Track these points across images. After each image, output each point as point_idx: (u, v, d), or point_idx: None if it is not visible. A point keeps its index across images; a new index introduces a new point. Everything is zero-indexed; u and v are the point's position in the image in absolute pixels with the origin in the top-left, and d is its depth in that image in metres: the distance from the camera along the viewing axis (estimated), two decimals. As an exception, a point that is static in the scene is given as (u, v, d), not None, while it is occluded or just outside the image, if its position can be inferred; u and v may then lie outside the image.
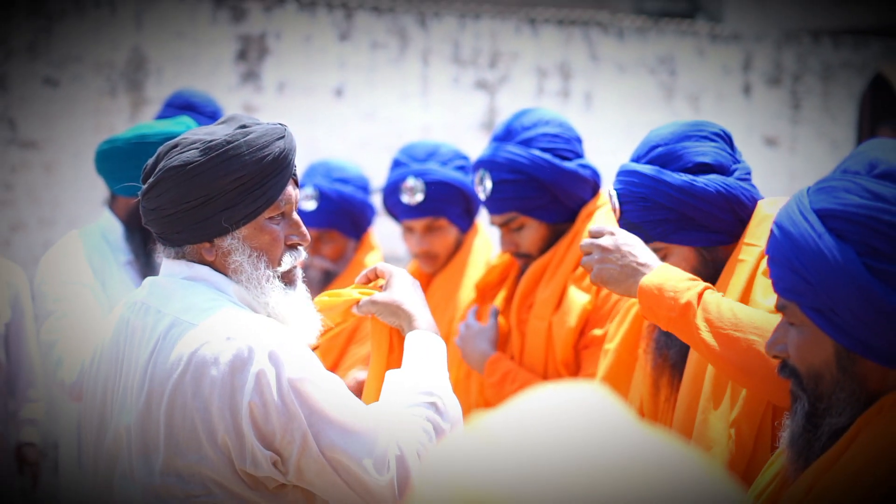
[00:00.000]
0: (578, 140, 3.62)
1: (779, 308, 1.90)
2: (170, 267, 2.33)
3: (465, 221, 4.15)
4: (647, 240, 2.69)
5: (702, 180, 2.63)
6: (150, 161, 2.29)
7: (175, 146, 2.25)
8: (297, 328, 2.33)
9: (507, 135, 3.59)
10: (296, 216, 2.38)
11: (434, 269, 4.18)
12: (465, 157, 4.17)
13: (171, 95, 5.55)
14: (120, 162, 3.70)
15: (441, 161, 4.10)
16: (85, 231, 3.80)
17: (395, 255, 8.08)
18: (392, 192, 4.09)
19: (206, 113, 5.22)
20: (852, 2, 11.22)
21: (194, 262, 2.30)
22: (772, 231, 1.89)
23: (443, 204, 4.07)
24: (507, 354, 3.68)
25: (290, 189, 2.33)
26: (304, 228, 2.39)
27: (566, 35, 9.57)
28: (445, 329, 4.07)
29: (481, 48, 9.13)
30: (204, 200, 2.22)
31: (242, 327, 2.15)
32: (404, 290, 2.50)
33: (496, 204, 3.57)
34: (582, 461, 0.93)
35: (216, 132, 2.26)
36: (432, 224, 4.11)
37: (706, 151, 2.71)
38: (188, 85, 7.29)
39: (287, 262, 2.35)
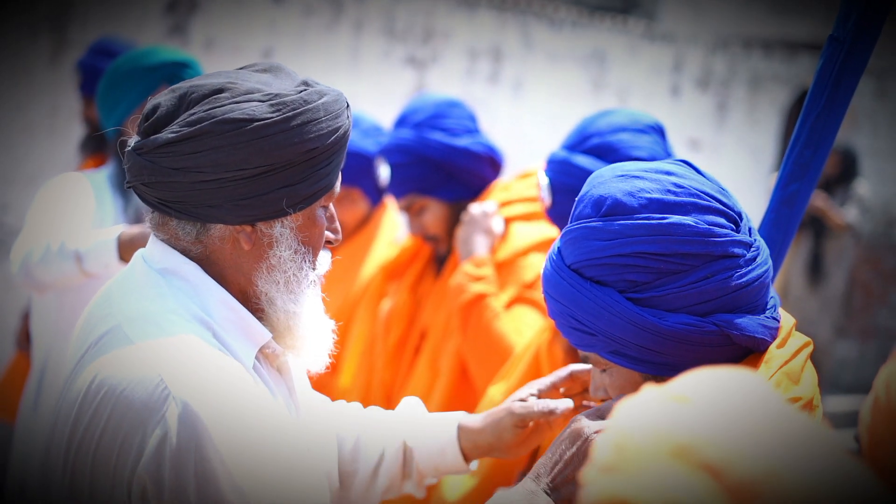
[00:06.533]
0: (471, 118, 3.65)
1: (582, 360, 1.95)
2: (153, 250, 1.82)
3: (376, 195, 4.13)
4: None
5: None
6: (169, 101, 1.75)
7: (219, 91, 1.72)
8: (309, 349, 1.92)
9: (400, 121, 3.64)
10: (332, 208, 1.94)
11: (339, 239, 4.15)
12: (383, 132, 4.15)
13: (96, 40, 5.42)
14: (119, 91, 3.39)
15: (362, 132, 4.08)
16: (90, 174, 3.52)
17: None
18: (307, 157, 4.03)
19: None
20: (786, 14, 11.33)
21: (193, 248, 1.79)
22: (545, 297, 1.93)
23: (358, 174, 4.05)
24: (417, 328, 3.67)
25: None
26: (338, 224, 1.98)
27: (501, 20, 9.54)
28: (343, 301, 4.04)
29: (415, 24, 9.07)
30: (266, 171, 1.72)
31: (173, 363, 1.63)
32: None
33: (396, 188, 3.61)
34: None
35: (274, 84, 1.77)
36: (345, 194, 4.08)
37: (641, 146, 2.72)
38: (113, 33, 7.14)
39: (324, 264, 1.94)
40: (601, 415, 1.86)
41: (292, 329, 1.87)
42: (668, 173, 1.82)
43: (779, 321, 1.85)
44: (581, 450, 1.80)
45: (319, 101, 1.77)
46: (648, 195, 1.77)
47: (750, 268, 1.79)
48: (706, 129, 10.93)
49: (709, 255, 1.75)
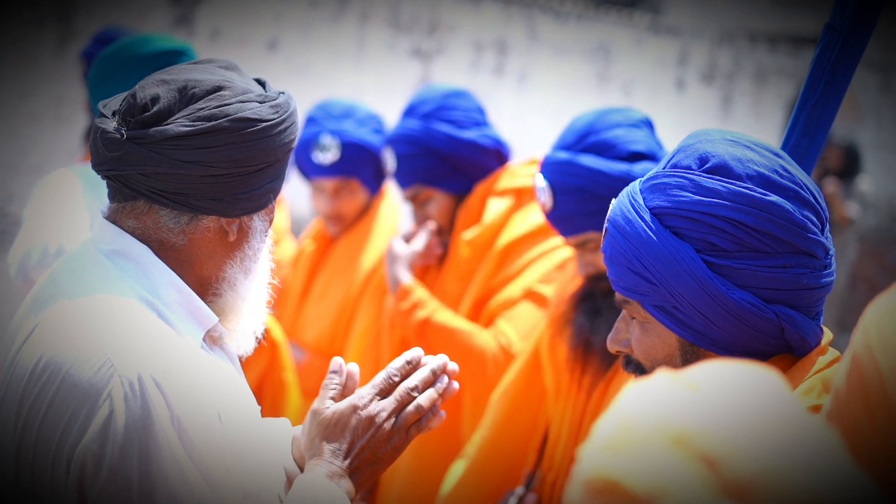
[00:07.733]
0: (479, 110, 3.64)
1: (617, 304, 1.90)
2: (103, 232, 1.83)
3: (375, 185, 4.12)
4: (576, 230, 2.69)
5: (638, 168, 2.63)
6: (167, 93, 1.75)
7: (219, 88, 1.77)
8: (244, 331, 1.94)
9: (409, 111, 3.63)
10: None
11: (339, 230, 4.15)
12: (381, 121, 4.14)
13: (101, 30, 5.42)
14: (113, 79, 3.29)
15: (357, 121, 4.06)
16: (85, 167, 3.49)
17: (299, 215, 8.01)
18: (305, 148, 4.02)
19: (138, 52, 5.09)
20: (791, 8, 11.32)
21: (176, 238, 1.80)
22: (606, 230, 1.88)
23: (356, 165, 4.03)
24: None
25: None
26: None
27: (506, 12, 9.55)
28: (346, 292, 4.05)
29: (420, 16, 9.08)
30: (263, 167, 1.80)
31: (120, 341, 1.66)
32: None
33: (401, 178, 3.62)
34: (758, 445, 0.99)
35: (251, 85, 1.84)
36: (343, 185, 4.07)
37: (638, 139, 2.72)
38: (118, 22, 7.16)
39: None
40: (381, 395, 1.89)
41: (238, 311, 1.90)
42: (778, 155, 1.81)
43: (823, 332, 1.87)
44: (376, 436, 1.86)
45: (293, 104, 1.87)
46: (757, 168, 1.76)
47: (823, 272, 1.81)
48: (711, 123, 10.93)
49: (795, 246, 1.75)
